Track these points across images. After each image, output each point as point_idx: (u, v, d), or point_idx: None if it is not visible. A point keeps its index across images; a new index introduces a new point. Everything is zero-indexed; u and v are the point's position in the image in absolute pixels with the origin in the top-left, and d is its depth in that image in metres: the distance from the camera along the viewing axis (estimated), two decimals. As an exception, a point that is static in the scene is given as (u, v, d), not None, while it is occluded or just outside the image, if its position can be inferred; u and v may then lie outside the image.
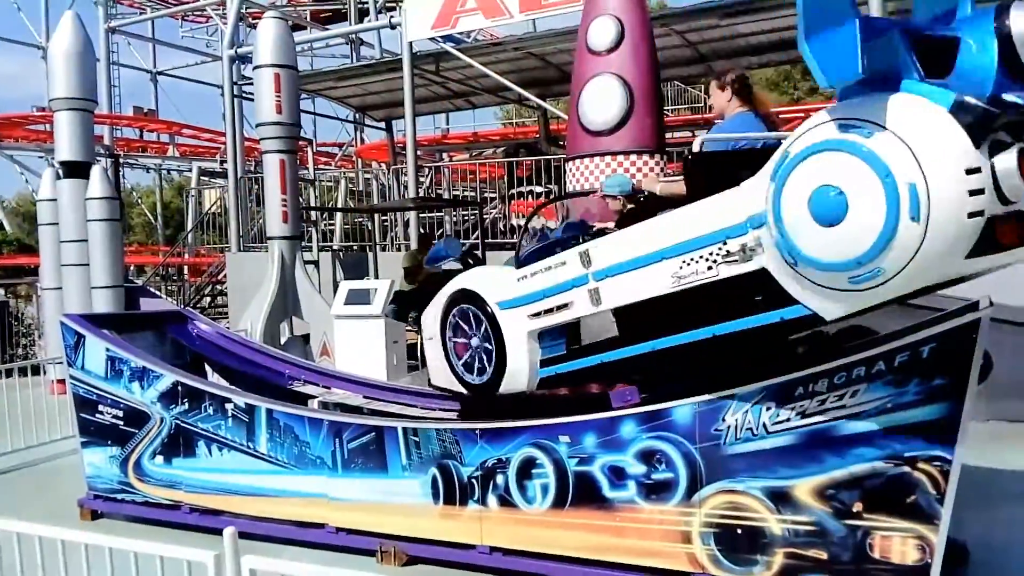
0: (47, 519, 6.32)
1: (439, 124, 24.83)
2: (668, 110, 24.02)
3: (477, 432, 4.66)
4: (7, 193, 41.25)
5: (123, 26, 23.34)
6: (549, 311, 4.41)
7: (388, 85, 13.76)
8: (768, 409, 3.85)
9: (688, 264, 3.68)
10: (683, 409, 4.06)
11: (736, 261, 3.51)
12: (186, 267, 21.65)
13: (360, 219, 14.86)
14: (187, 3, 24.88)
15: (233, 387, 6.14)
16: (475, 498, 4.67)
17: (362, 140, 21.73)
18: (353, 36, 21.06)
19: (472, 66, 11.70)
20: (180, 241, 20.81)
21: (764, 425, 3.87)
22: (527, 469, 4.50)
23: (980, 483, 5.70)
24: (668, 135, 16.57)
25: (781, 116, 17.07)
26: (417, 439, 4.84)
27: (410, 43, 11.23)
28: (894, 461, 3.62)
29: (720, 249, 3.56)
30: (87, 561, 3.09)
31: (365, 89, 14.55)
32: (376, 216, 14.26)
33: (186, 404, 5.74)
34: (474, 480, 4.66)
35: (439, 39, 11.40)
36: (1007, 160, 2.85)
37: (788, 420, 3.81)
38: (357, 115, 18.29)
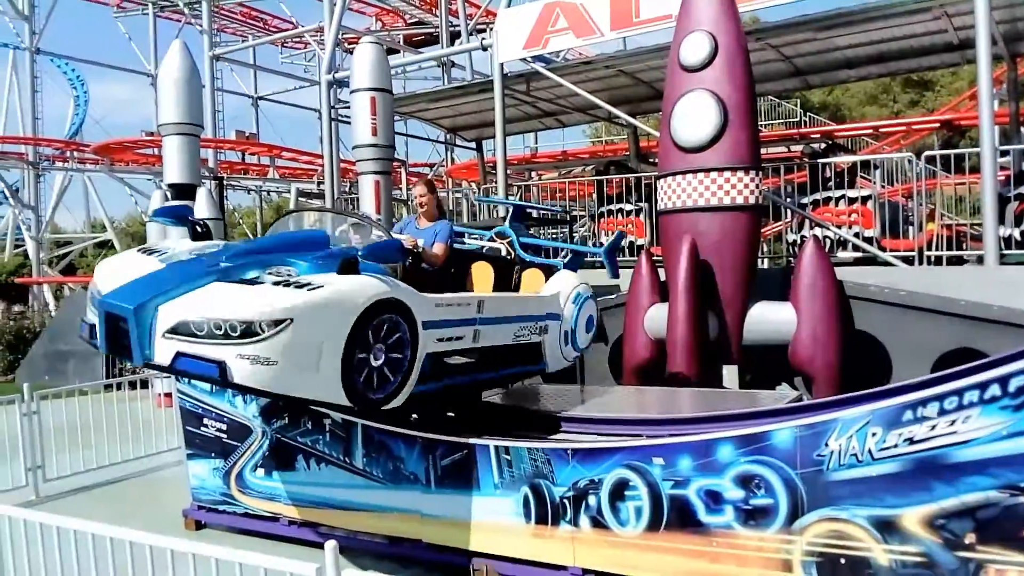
0: (153, 528, 6.61)
1: (528, 143, 25.03)
2: (762, 125, 23.61)
3: (569, 452, 4.64)
4: (118, 214, 43.46)
5: (227, 54, 24.36)
6: (448, 339, 5.04)
7: (479, 106, 13.93)
8: (874, 435, 3.72)
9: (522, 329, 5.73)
10: (783, 432, 3.96)
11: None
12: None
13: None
14: (287, 31, 25.87)
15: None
16: (567, 519, 4.64)
17: (452, 160, 22.07)
18: (445, 59, 21.48)
19: (562, 85, 11.73)
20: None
21: (870, 451, 3.73)
22: (620, 491, 4.45)
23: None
24: (765, 150, 16.28)
25: (884, 130, 16.61)
26: (509, 458, 4.85)
27: (501, 64, 11.34)
28: (1010, 491, 3.44)
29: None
30: (195, 570, 3.20)
31: (456, 110, 14.76)
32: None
33: (286, 419, 5.90)
34: (566, 500, 4.64)
35: (529, 59, 11.48)
36: None
37: (895, 446, 3.67)
38: (448, 135, 18.59)
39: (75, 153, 28.16)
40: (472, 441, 5.00)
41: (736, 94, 7.84)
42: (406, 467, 5.29)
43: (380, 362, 4.36)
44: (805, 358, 7.56)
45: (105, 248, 35.87)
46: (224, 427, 6.28)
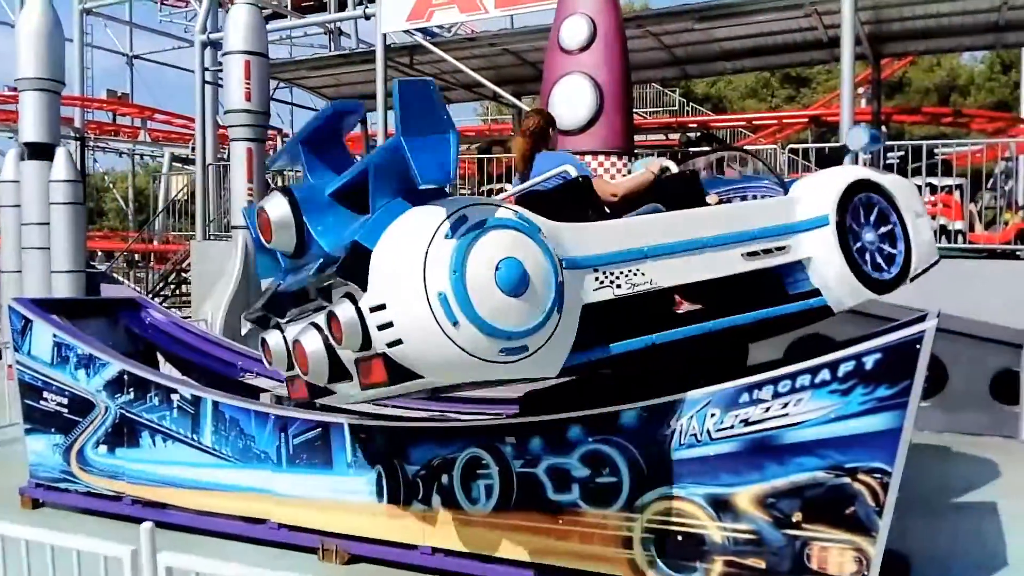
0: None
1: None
2: (646, 112, 24.07)
3: (423, 431, 4.59)
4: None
5: (99, 7, 22.94)
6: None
7: (362, 76, 13.62)
8: (713, 415, 3.82)
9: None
10: (630, 413, 4.02)
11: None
12: (153, 254, 21.36)
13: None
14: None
15: (180, 377, 6.02)
16: (419, 498, 4.60)
17: (338, 132, 21.52)
18: (332, 27, 20.87)
19: (446, 61, 11.60)
20: (147, 227, 20.51)
21: (708, 431, 3.83)
22: (472, 470, 4.43)
23: (930, 495, 5.73)
24: (644, 137, 16.61)
25: (757, 123, 17.26)
26: (363, 436, 4.76)
27: (384, 35, 11.11)
28: (834, 472, 3.60)
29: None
30: (2, 551, 2.99)
31: (339, 80, 14.42)
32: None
33: (131, 393, 5.62)
34: (419, 479, 4.59)
35: (414, 32, 11.29)
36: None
37: (732, 427, 3.78)
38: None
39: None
40: (326, 419, 4.88)
41: (612, 79, 7.94)
42: (257, 445, 5.12)
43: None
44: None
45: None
46: (65, 401, 5.92)
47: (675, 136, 14.81)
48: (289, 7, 26.55)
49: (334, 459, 4.86)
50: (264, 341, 4.08)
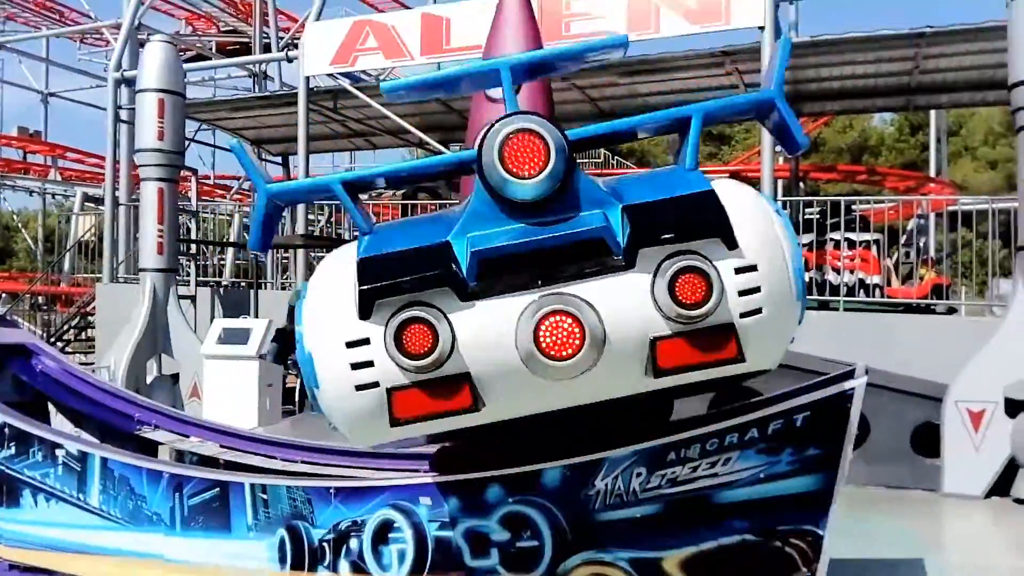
0: None
1: (344, 163, 24.42)
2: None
3: (332, 491, 4.27)
4: None
5: (11, 43, 22.13)
6: None
7: (285, 119, 13.34)
8: (639, 475, 3.62)
9: None
10: (553, 472, 3.79)
11: None
12: (63, 296, 20.36)
13: (253, 255, 14.31)
14: (82, 24, 23.90)
15: (65, 431, 5.55)
16: (326, 563, 4.25)
17: (260, 175, 21.09)
18: (257, 70, 20.57)
19: (371, 106, 11.42)
20: (52, 268, 19.58)
21: (635, 491, 3.63)
22: (384, 533, 4.12)
23: (858, 551, 5.63)
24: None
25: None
26: (266, 496, 4.40)
27: (307, 78, 10.89)
28: (765, 535, 3.44)
29: None
30: None
31: (261, 122, 14.09)
32: (270, 253, 13.69)
33: (12, 448, 5.13)
34: (325, 544, 4.25)
35: (338, 76, 11.10)
36: (389, 331, 2.71)
37: (659, 487, 3.59)
38: (254, 148, 17.73)
39: None
40: (225, 478, 4.51)
41: (538, 128, 7.85)
42: (148, 505, 4.71)
43: None
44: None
45: None
46: (-63, 457, 5.38)
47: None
48: (214, 50, 26.18)
49: (233, 522, 4.48)
50: (423, 322, 2.75)
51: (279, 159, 16.56)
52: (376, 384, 2.78)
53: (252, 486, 4.44)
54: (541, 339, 2.69)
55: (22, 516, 5.10)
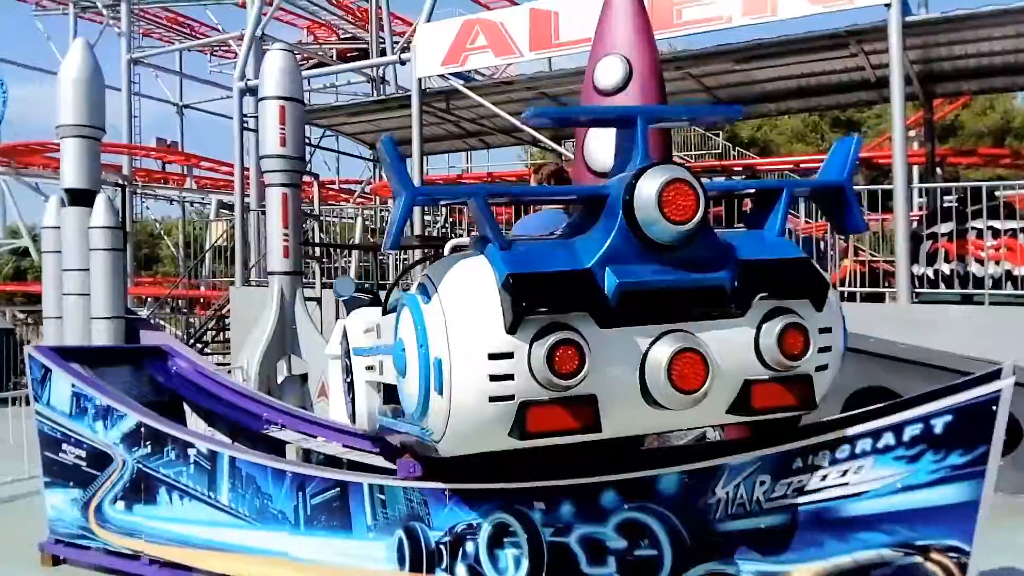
0: (7, 561, 6.04)
1: (459, 162, 24.75)
2: (692, 156, 23.77)
3: (446, 493, 4.26)
4: (37, 220, 41.58)
5: (147, 58, 23.50)
6: (370, 368, 4.64)
7: (400, 122, 13.58)
8: (763, 483, 3.44)
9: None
10: (670, 479, 3.66)
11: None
12: (201, 299, 21.49)
13: (380, 257, 14.69)
14: (210, 37, 25.15)
15: (196, 431, 5.79)
16: (443, 566, 4.25)
17: (380, 177, 21.63)
18: (375, 75, 21.08)
19: (483, 105, 11.47)
20: (188, 273, 20.68)
21: (758, 500, 3.45)
22: (499, 537, 4.08)
23: (1007, 566, 5.23)
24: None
25: (805, 166, 16.90)
26: (383, 497, 4.45)
27: (419, 80, 11.02)
28: (904, 549, 3.19)
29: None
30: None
31: (377, 125, 14.40)
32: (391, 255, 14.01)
33: (148, 447, 5.40)
34: (442, 546, 4.25)
35: (449, 76, 11.20)
36: (539, 351, 2.80)
37: (784, 496, 3.39)
38: (373, 152, 18.20)
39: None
40: (344, 478, 4.58)
41: (651, 120, 7.66)
42: (274, 504, 4.84)
43: None
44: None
45: (18, 255, 34.31)
46: (83, 454, 5.72)
47: (719, 179, 14.52)
48: (334, 57, 27.02)
49: (353, 522, 4.55)
50: (574, 344, 2.85)
51: (396, 161, 16.85)
52: (511, 397, 2.88)
53: (371, 486, 4.49)
54: (673, 371, 2.90)
55: (159, 513, 5.35)
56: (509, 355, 2.83)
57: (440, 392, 2.93)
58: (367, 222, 21.28)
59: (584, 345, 2.83)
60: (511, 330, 2.81)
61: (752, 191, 3.63)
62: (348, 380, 5.11)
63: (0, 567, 6.06)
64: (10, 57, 33.02)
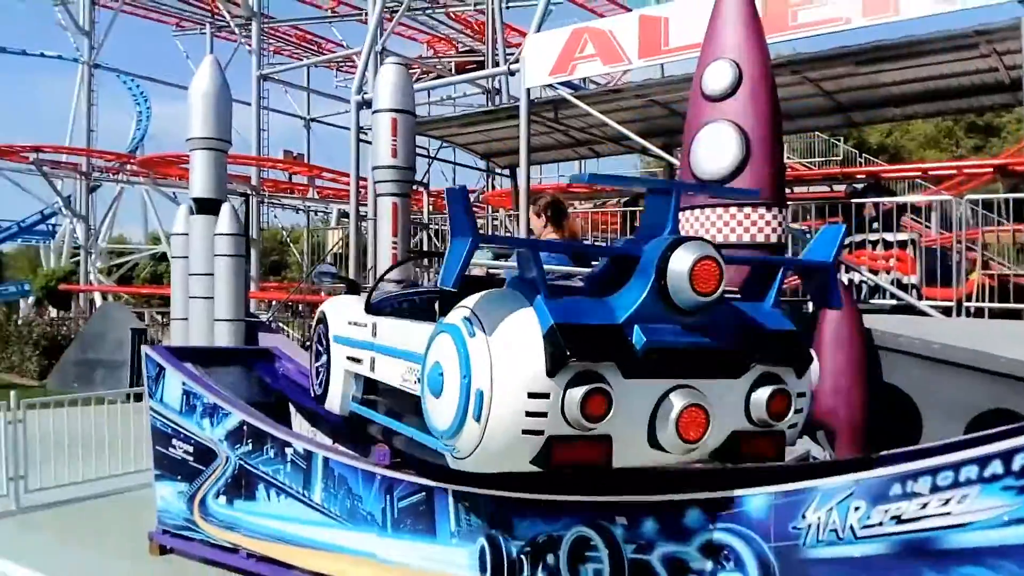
0: (119, 551, 6.37)
1: (570, 172, 24.66)
2: (814, 163, 22.91)
3: (529, 504, 4.20)
4: (170, 228, 44.16)
5: (274, 74, 24.59)
6: (354, 360, 5.10)
7: (509, 132, 13.65)
8: (858, 509, 3.22)
9: (409, 371, 4.26)
10: (758, 500, 3.48)
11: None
12: (319, 304, 22.22)
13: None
14: (335, 54, 26.05)
15: (293, 431, 5.94)
16: (524, 576, 4.20)
17: (492, 187, 21.85)
18: (489, 86, 21.32)
19: (592, 114, 11.38)
20: (304, 279, 21.46)
21: (852, 528, 3.23)
22: (580, 551, 3.99)
23: None
24: (806, 189, 15.71)
25: (933, 173, 15.99)
26: (467, 504, 4.43)
27: (527, 90, 11.04)
28: (1013, 589, 2.91)
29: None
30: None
31: (488, 136, 14.52)
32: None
33: (250, 444, 5.58)
34: (523, 556, 4.20)
35: (557, 86, 11.17)
36: (573, 396, 3.13)
37: (881, 524, 3.16)
38: (486, 162, 18.39)
39: (128, 166, 28.70)
40: (429, 483, 4.59)
41: (760, 126, 7.38)
42: (363, 505, 4.91)
43: None
44: (826, 411, 7.00)
45: (156, 260, 36.58)
46: (191, 449, 5.98)
47: (840, 187, 13.88)
48: (453, 70, 27.55)
49: (438, 527, 4.55)
50: (604, 393, 3.21)
51: (507, 171, 16.98)
52: (541, 432, 3.19)
53: (454, 492, 4.49)
54: (680, 423, 3.28)
55: (257, 508, 5.53)
56: (545, 395, 3.16)
57: (477, 420, 3.25)
58: (479, 231, 21.52)
59: (612, 394, 3.18)
60: (550, 374, 3.14)
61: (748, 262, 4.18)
62: (322, 360, 5.59)
63: (113, 556, 6.39)
64: (155, 76, 35.24)
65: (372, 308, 5.04)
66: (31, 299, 28.86)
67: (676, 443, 3.32)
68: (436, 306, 4.30)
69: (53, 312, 27.55)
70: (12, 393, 7.79)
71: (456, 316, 3.46)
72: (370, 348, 4.85)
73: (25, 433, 7.69)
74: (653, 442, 3.36)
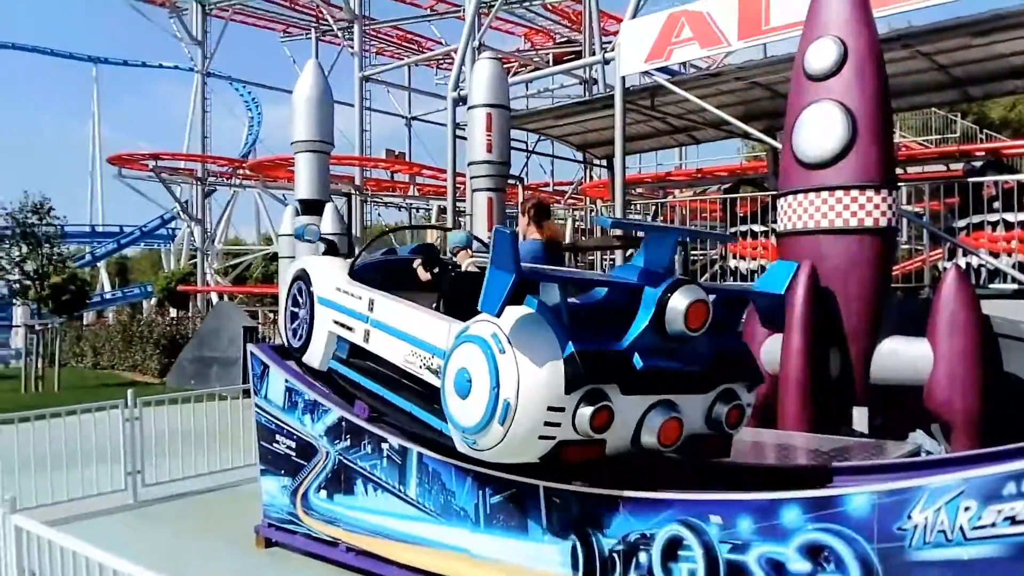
0: (227, 542, 6.60)
1: (668, 160, 24.22)
2: (932, 140, 21.70)
3: (620, 501, 4.13)
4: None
5: (375, 74, 25.09)
6: (342, 325, 5.65)
7: (605, 123, 13.46)
8: (967, 509, 3.01)
9: (414, 355, 4.94)
10: (860, 498, 3.30)
11: (435, 373, 4.69)
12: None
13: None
14: (434, 51, 26.38)
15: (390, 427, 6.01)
16: (616, 575, 4.12)
17: (590, 177, 21.68)
18: (586, 76, 21.17)
19: (689, 100, 11.09)
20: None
21: (961, 528, 3.03)
22: (673, 549, 3.90)
23: None
24: (920, 168, 14.91)
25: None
26: (559, 501, 4.39)
27: (623, 78, 10.85)
28: None
29: (430, 359, 4.79)
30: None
31: (584, 127, 14.37)
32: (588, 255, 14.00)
33: (348, 440, 5.69)
34: (616, 554, 4.13)
35: (653, 72, 10.94)
36: (584, 413, 3.89)
37: (993, 525, 2.95)
38: (583, 154, 18.23)
39: (240, 171, 29.93)
40: (522, 480, 4.57)
41: (866, 105, 7.01)
42: (457, 501, 4.93)
43: None
44: (941, 401, 6.61)
45: (268, 260, 38.02)
46: (293, 444, 6.15)
47: (957, 166, 13.07)
48: (551, 62, 27.46)
49: (529, 524, 4.52)
50: (609, 409, 3.97)
51: (604, 162, 16.79)
52: (553, 438, 3.92)
53: (546, 489, 4.45)
54: (661, 432, 4.08)
55: (355, 503, 5.63)
56: (561, 409, 3.87)
57: (501, 424, 3.93)
58: (578, 223, 21.41)
59: (614, 409, 3.95)
60: (567, 391, 3.84)
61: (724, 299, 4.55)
62: (302, 313, 6.08)
63: (222, 547, 6.62)
64: (265, 83, 36.62)
65: (356, 275, 5.73)
66: (153, 300, 30.49)
67: (655, 446, 4.11)
68: (418, 274, 5.57)
69: (173, 312, 29.01)
70: (129, 391, 8.19)
71: (484, 330, 4.08)
72: (364, 320, 5.42)
73: (142, 430, 8.06)
74: (635, 443, 4.12)
